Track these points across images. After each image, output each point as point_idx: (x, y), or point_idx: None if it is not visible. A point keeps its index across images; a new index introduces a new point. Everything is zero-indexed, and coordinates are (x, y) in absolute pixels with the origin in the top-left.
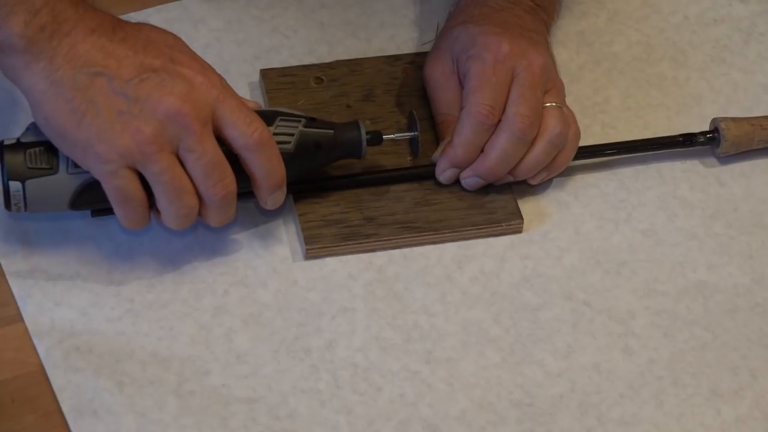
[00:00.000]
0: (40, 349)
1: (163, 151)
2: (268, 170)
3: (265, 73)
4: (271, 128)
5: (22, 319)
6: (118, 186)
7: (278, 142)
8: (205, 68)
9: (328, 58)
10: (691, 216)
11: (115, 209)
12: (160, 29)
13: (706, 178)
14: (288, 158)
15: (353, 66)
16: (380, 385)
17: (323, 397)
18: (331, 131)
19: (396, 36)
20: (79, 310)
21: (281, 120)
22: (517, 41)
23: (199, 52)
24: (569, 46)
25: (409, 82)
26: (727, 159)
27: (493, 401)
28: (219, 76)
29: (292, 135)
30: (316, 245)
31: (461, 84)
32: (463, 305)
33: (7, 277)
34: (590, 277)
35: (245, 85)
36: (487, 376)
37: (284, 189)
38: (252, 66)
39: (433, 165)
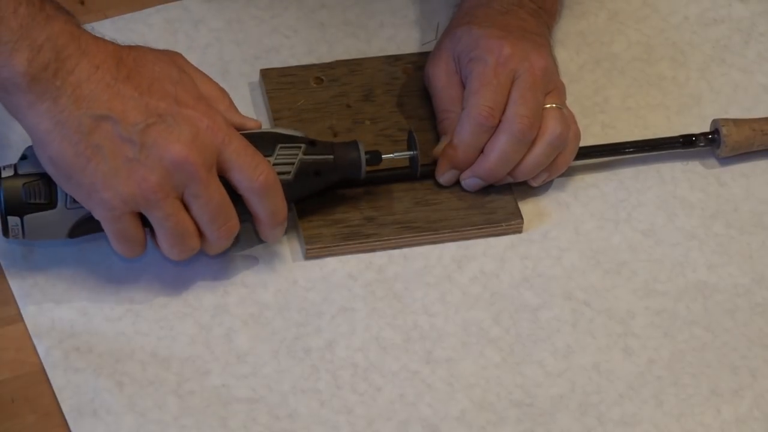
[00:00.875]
0: (40, 349)
1: (168, 198)
2: (272, 211)
3: (265, 73)
4: (271, 158)
5: (22, 319)
6: (119, 228)
7: (278, 173)
8: (210, 108)
9: (328, 58)
10: (691, 216)
11: (113, 244)
12: (162, 58)
13: (706, 178)
14: (287, 186)
15: (353, 66)
16: (380, 385)
17: (323, 397)
18: (331, 157)
19: (396, 36)
20: (79, 310)
21: (281, 148)
22: (520, 44)
23: (199, 52)
24: (569, 46)
25: (409, 82)
26: (727, 159)
27: (493, 401)
28: (226, 96)
29: (292, 164)
30: (316, 245)
31: (463, 84)
32: (463, 305)
33: (7, 277)
34: (590, 277)
35: (245, 85)
36: (487, 376)
37: (285, 224)
38: (252, 66)
39: (433, 165)
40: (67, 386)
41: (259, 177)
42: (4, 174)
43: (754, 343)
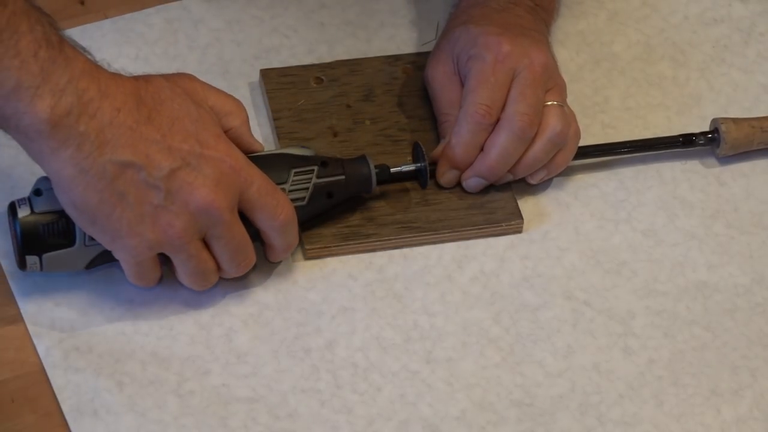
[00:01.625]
0: (40, 349)
1: (192, 241)
2: (288, 243)
3: (265, 73)
4: (286, 186)
5: (22, 319)
6: (139, 270)
7: (292, 199)
8: (230, 147)
9: (328, 58)
10: (691, 216)
11: (129, 279)
12: (178, 91)
13: (706, 178)
14: (300, 210)
15: (353, 66)
16: (380, 385)
17: (323, 397)
18: (342, 177)
19: (396, 36)
20: (79, 310)
21: (295, 174)
22: (518, 41)
23: (199, 52)
24: (569, 46)
25: (409, 82)
26: (727, 159)
27: (493, 401)
28: (242, 111)
29: (307, 189)
30: (316, 245)
31: (462, 84)
32: (463, 305)
33: (7, 277)
34: (590, 277)
35: (245, 85)
36: (487, 376)
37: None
38: (252, 66)
39: (434, 164)
40: (67, 386)
41: (279, 216)
42: (21, 213)
43: (754, 343)
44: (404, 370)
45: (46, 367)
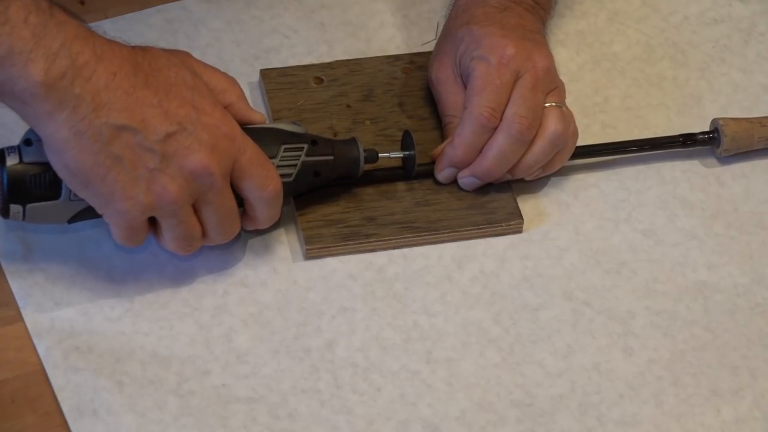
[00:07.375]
0: (40, 349)
1: (184, 206)
2: (271, 216)
3: (265, 73)
4: (275, 160)
5: (22, 319)
6: (128, 232)
7: (280, 174)
8: (225, 114)
9: (328, 58)
10: (691, 216)
11: (117, 239)
12: (174, 60)
13: (706, 178)
14: (286, 186)
15: (353, 66)
16: (380, 385)
17: (323, 397)
18: (331, 157)
19: (396, 36)
20: (79, 310)
21: (285, 150)
22: (522, 44)
23: (199, 52)
24: (569, 46)
25: (409, 82)
26: (727, 159)
27: (493, 401)
28: (237, 87)
29: (295, 166)
30: (316, 245)
31: (465, 85)
32: (463, 305)
33: (7, 277)
34: (590, 277)
35: (245, 85)
36: (487, 376)
37: None
38: (252, 66)
39: (432, 164)
40: (67, 386)
41: (267, 187)
42: (9, 162)
43: (754, 343)
44: (404, 370)
45: (46, 367)
